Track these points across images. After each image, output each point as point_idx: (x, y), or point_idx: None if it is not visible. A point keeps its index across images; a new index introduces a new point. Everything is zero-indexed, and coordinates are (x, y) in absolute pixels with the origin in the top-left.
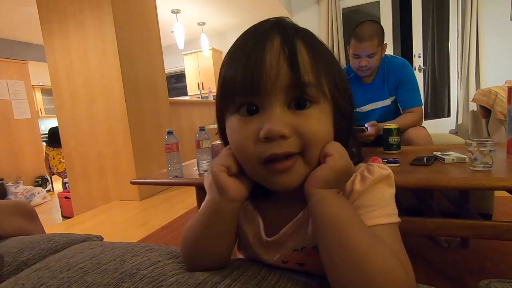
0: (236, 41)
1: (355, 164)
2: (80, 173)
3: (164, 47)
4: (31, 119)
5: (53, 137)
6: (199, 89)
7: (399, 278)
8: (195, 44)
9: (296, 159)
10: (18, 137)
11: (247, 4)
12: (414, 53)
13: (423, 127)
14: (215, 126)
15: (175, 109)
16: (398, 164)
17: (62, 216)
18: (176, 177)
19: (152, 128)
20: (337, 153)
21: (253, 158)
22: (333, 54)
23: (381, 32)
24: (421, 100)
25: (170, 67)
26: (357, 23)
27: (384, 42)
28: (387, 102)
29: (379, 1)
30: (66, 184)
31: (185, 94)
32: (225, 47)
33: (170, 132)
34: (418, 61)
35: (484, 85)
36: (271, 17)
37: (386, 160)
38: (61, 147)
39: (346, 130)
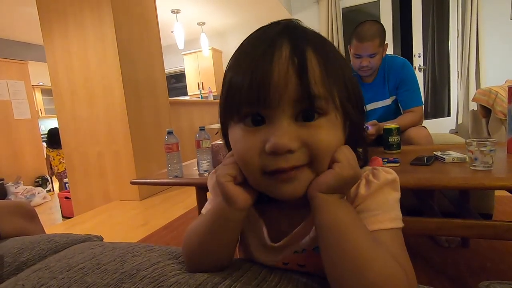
0: (242, 44)
1: (361, 167)
2: (80, 173)
3: (164, 47)
4: (31, 119)
5: (53, 138)
6: (199, 89)
7: (400, 283)
8: (195, 44)
9: (302, 169)
10: (18, 137)
11: (247, 4)
12: (414, 52)
13: (423, 126)
14: (215, 126)
15: (175, 109)
16: (398, 164)
17: (62, 216)
18: (176, 177)
19: (152, 128)
20: (346, 160)
21: (256, 169)
22: (344, 59)
23: (383, 32)
24: (421, 100)
25: (170, 67)
26: (358, 23)
27: (385, 42)
28: (388, 101)
29: (379, 1)
30: (66, 184)
31: (185, 94)
32: (225, 47)
33: (170, 132)
34: (418, 61)
35: (484, 84)
36: (270, 17)
37: (386, 160)
38: (61, 148)
39: (357, 135)
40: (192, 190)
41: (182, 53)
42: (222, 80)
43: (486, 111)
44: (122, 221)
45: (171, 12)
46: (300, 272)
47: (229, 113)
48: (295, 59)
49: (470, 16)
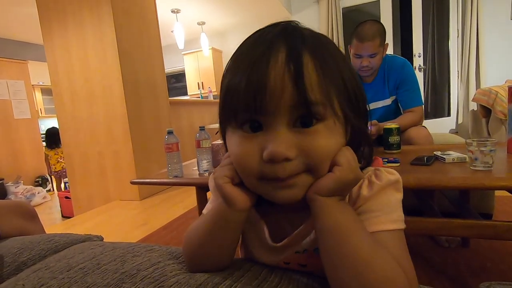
0: (241, 45)
1: (364, 167)
2: (80, 173)
3: (164, 46)
4: (31, 119)
5: (50, 138)
6: (199, 88)
7: (400, 285)
8: (195, 44)
9: (301, 175)
10: (18, 137)
11: (247, 3)
12: (414, 52)
13: (423, 126)
14: (215, 125)
15: (175, 109)
16: (398, 164)
17: (62, 216)
18: (176, 177)
19: (152, 128)
20: (347, 164)
21: (254, 176)
22: (344, 58)
23: (383, 32)
24: (421, 100)
25: (170, 67)
26: (358, 23)
27: (385, 42)
28: (388, 101)
29: (379, 1)
30: (66, 184)
31: (185, 94)
32: (225, 46)
33: (170, 132)
34: (418, 61)
35: (484, 84)
36: (271, 17)
37: (386, 160)
38: (58, 147)
39: (359, 136)
40: (192, 190)
41: (182, 53)
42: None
43: (486, 111)
44: (122, 221)
45: (171, 11)
46: (301, 272)
47: (227, 119)
48: (291, 65)
49: (470, 16)
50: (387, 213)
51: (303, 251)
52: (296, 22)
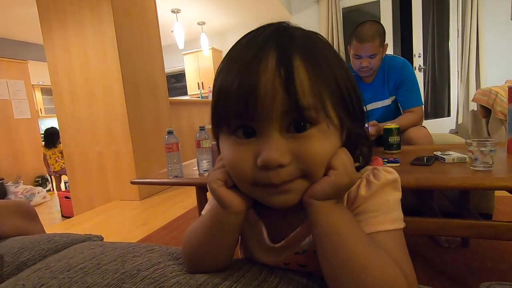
0: (233, 47)
1: (362, 167)
2: (80, 173)
3: (164, 46)
4: (31, 118)
5: (49, 139)
6: (199, 88)
7: (399, 287)
8: (195, 44)
9: (296, 180)
10: (18, 137)
11: (247, 3)
12: (414, 52)
13: (423, 126)
14: None
15: (175, 109)
16: (398, 164)
17: (62, 216)
18: (176, 177)
19: (152, 128)
20: (343, 167)
21: (247, 181)
22: (339, 58)
23: (383, 32)
24: (421, 100)
25: (170, 66)
26: (358, 23)
27: (385, 42)
28: (388, 102)
29: (379, 1)
30: (66, 184)
31: (185, 93)
32: (225, 46)
33: (170, 132)
34: (418, 61)
35: (484, 84)
36: (271, 17)
37: (386, 160)
38: (55, 148)
39: (356, 138)
40: (192, 190)
41: (182, 52)
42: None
43: (486, 111)
44: (122, 221)
45: (171, 11)
46: (301, 272)
47: (219, 125)
48: (281, 70)
49: (470, 16)
50: (385, 213)
51: (302, 252)
52: (287, 23)
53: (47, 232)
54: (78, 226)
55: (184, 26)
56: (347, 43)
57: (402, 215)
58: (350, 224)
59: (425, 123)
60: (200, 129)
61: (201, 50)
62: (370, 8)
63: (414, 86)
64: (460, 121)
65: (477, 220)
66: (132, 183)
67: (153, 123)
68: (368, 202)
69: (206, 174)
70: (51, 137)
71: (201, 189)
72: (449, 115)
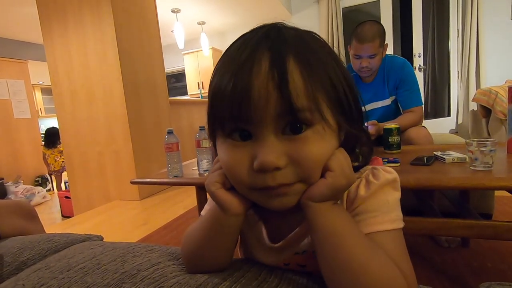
0: (229, 47)
1: (362, 166)
2: (80, 173)
3: (164, 46)
4: (31, 118)
5: (49, 138)
6: (199, 88)
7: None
8: (195, 44)
9: (293, 185)
10: (18, 137)
11: (247, 3)
12: (414, 52)
13: (423, 126)
14: None
15: (175, 108)
16: (398, 164)
17: (62, 215)
18: (176, 176)
19: (152, 128)
20: (339, 169)
21: (244, 185)
22: (335, 57)
23: (383, 32)
24: (421, 100)
25: (170, 66)
26: (358, 23)
27: (385, 42)
28: (387, 102)
29: (379, 1)
30: (66, 184)
31: (185, 93)
32: (225, 46)
33: (170, 132)
34: (418, 61)
35: (484, 84)
36: (271, 17)
37: (386, 160)
38: (54, 147)
39: (354, 138)
40: (192, 190)
41: (182, 52)
42: None
43: (486, 111)
44: (122, 220)
45: (171, 11)
46: (301, 272)
47: (215, 127)
48: (274, 73)
49: (470, 16)
50: (385, 213)
51: (302, 253)
52: (282, 23)
53: (47, 232)
54: (78, 226)
55: (184, 26)
56: (347, 43)
57: (401, 215)
58: (348, 226)
59: (425, 123)
60: (200, 129)
61: (201, 50)
62: (370, 8)
63: (414, 86)
64: (460, 121)
65: (477, 220)
66: (132, 183)
67: (153, 123)
68: (368, 202)
69: (206, 174)
70: (52, 137)
71: (201, 189)
72: (449, 115)
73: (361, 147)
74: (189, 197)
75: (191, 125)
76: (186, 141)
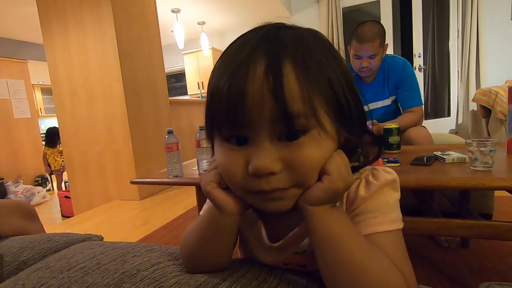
0: (228, 47)
1: (362, 166)
2: (80, 173)
3: (164, 46)
4: (31, 118)
5: (50, 138)
6: (199, 88)
7: None
8: (195, 44)
9: (289, 190)
10: (18, 137)
11: (247, 3)
12: (414, 52)
13: (423, 126)
14: None
15: (175, 108)
16: (398, 164)
17: (62, 215)
18: (176, 176)
19: (152, 127)
20: (337, 173)
21: (240, 188)
22: (337, 58)
23: (383, 32)
24: (421, 100)
25: (170, 66)
26: (358, 23)
27: (385, 43)
28: (388, 102)
29: (379, 1)
30: (66, 184)
31: (185, 93)
32: (225, 46)
33: (170, 132)
34: (418, 61)
35: (484, 84)
36: (271, 17)
37: (386, 160)
38: (54, 147)
39: (355, 140)
40: (192, 190)
41: (182, 52)
42: None
43: (486, 111)
44: (122, 220)
45: (171, 11)
46: (301, 272)
47: (212, 129)
48: (270, 76)
49: (470, 16)
50: (384, 213)
51: (302, 253)
52: (282, 24)
53: (47, 231)
54: (78, 225)
55: (184, 26)
56: (347, 43)
57: (401, 215)
58: (347, 228)
59: (425, 123)
60: (200, 129)
61: (201, 50)
62: (370, 8)
63: (414, 86)
64: (460, 121)
65: (477, 220)
66: (132, 183)
67: (153, 123)
68: (368, 202)
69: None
70: (52, 137)
71: (201, 189)
72: (449, 115)
73: (364, 147)
74: (189, 197)
75: (191, 125)
76: (186, 141)
